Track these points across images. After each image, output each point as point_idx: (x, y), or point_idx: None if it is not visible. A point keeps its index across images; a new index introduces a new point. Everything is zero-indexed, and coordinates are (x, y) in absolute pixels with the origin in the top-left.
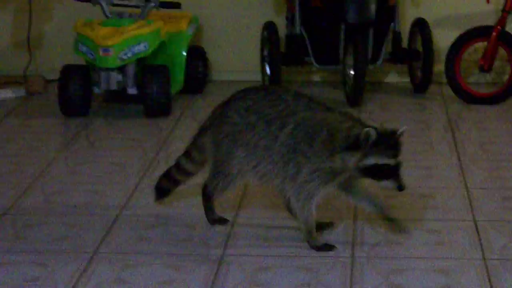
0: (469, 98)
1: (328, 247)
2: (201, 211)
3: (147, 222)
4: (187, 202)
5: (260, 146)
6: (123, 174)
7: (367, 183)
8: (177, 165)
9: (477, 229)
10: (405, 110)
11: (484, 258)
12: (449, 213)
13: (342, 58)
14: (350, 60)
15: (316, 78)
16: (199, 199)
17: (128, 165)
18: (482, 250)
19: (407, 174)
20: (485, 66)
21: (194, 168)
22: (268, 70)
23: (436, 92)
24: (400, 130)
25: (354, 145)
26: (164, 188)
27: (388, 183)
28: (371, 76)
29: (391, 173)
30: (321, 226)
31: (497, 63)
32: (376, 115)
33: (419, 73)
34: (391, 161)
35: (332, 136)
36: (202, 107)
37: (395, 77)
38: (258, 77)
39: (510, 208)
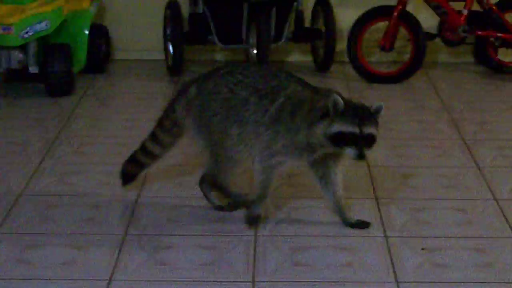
0: (371, 77)
1: (259, 220)
2: (105, 190)
3: (50, 202)
4: (90, 182)
5: (251, 120)
6: (25, 154)
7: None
8: (143, 148)
9: (378, 207)
10: None
11: (385, 236)
12: (352, 191)
13: (245, 37)
14: (253, 39)
15: (220, 57)
16: (102, 178)
17: (30, 145)
18: (383, 227)
19: None
20: (387, 45)
21: (161, 150)
22: (171, 49)
23: (338, 71)
24: (376, 105)
25: (325, 114)
26: (130, 173)
27: (350, 151)
28: (274, 55)
29: (353, 141)
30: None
31: (398, 43)
32: None
33: (321, 52)
34: (355, 130)
35: (311, 111)
36: (105, 86)
37: (298, 56)
38: (161, 56)
39: (410, 186)
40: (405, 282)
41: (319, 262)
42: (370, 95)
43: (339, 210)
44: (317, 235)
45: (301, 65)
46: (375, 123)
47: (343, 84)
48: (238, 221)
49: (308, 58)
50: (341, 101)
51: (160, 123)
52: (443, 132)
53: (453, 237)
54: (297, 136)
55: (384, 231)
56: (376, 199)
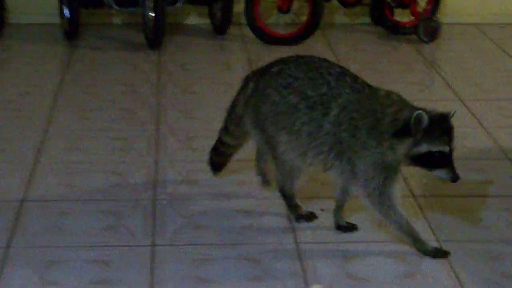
0: (269, 39)
1: (443, 253)
2: None
3: None
4: None
5: (303, 132)
6: None
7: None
8: (220, 140)
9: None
10: (205, 51)
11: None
12: None
13: (141, 0)
14: (149, 2)
15: (117, 20)
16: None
17: None
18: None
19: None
20: (284, 7)
21: (236, 141)
22: (67, 13)
23: (236, 34)
24: (452, 112)
25: (404, 130)
26: (217, 162)
27: (441, 173)
28: (171, 17)
29: (445, 161)
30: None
31: (295, 4)
32: (176, 56)
33: (218, 15)
34: (445, 148)
35: (378, 123)
36: None
37: (195, 19)
38: (56, 19)
39: None
40: (306, 243)
41: (216, 224)
42: (268, 57)
43: (339, 213)
44: (214, 198)
45: (198, 28)
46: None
47: (241, 46)
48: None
49: (206, 21)
50: (425, 116)
51: (229, 116)
52: None
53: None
54: (369, 157)
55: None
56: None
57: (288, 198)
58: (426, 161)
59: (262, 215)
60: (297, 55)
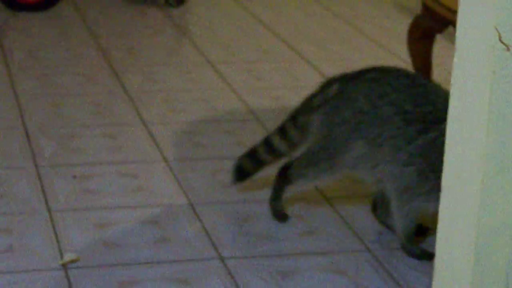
0: (15, 4)
1: (428, 255)
2: None
3: None
4: None
5: (387, 145)
6: None
7: None
8: (267, 143)
9: (28, 138)
10: None
11: (36, 165)
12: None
13: None
14: None
15: None
16: None
17: None
18: (34, 158)
19: None
20: None
21: (287, 149)
22: None
23: None
24: None
25: None
26: (245, 170)
27: None
28: None
29: None
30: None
31: None
32: None
33: None
34: None
35: None
36: None
37: None
38: None
39: (60, 115)
40: (58, 211)
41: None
42: (15, 24)
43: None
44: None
45: None
46: None
47: None
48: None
49: None
50: None
51: (292, 117)
52: (91, 59)
53: (104, 163)
54: None
55: (35, 161)
56: (26, 129)
57: (285, 188)
58: None
59: (13, 184)
60: (396, 67)
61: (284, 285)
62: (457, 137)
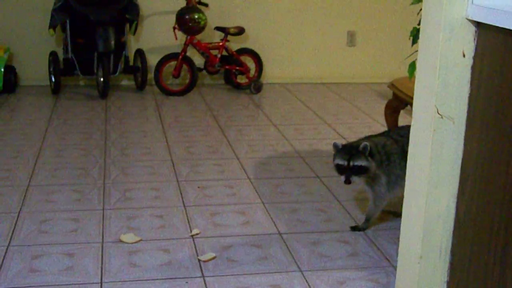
0: (167, 92)
1: (360, 230)
2: None
3: None
4: None
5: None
6: None
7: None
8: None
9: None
10: (131, 103)
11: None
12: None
13: (96, 71)
14: (100, 72)
15: (82, 83)
16: None
17: None
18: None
19: None
20: (176, 74)
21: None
22: (53, 79)
23: (149, 90)
24: (361, 146)
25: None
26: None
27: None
28: (113, 81)
29: (342, 170)
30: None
31: (182, 73)
32: (116, 102)
33: (139, 79)
34: (344, 163)
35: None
36: (14, 101)
37: (127, 82)
38: (48, 82)
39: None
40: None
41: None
42: (167, 103)
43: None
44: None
45: (129, 87)
46: (355, 156)
47: (152, 98)
48: None
49: (132, 82)
50: (337, 144)
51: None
52: (207, 122)
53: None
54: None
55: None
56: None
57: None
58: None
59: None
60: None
61: None
62: (413, 163)
